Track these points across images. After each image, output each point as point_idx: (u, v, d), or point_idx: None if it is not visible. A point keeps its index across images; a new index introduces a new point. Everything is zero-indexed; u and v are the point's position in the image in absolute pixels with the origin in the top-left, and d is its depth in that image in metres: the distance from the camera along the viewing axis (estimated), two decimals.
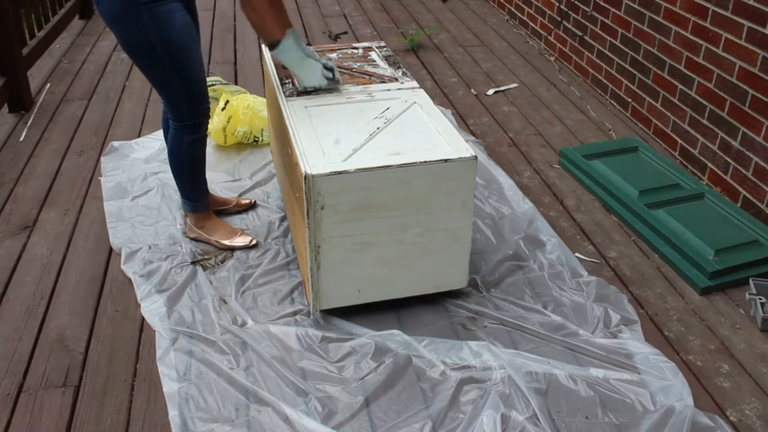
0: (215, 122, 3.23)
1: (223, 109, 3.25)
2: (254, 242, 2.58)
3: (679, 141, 3.25)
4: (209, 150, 3.25)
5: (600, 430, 1.86)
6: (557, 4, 4.38)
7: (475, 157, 2.09)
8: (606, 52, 3.85)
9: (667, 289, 2.42)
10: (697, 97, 3.09)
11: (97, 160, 3.18)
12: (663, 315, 2.30)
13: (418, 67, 4.32)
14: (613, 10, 3.74)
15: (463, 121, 3.62)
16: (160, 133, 3.41)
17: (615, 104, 3.79)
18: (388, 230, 2.11)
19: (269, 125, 3.06)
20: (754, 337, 2.21)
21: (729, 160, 2.91)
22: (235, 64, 4.37)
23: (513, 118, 3.67)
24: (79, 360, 2.09)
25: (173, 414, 1.88)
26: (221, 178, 3.03)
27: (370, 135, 2.20)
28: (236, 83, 4.02)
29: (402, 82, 2.57)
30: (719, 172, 2.97)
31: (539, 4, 4.65)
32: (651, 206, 2.74)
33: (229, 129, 3.24)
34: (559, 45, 4.41)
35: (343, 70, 2.67)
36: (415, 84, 2.56)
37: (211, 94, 3.53)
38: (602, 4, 3.84)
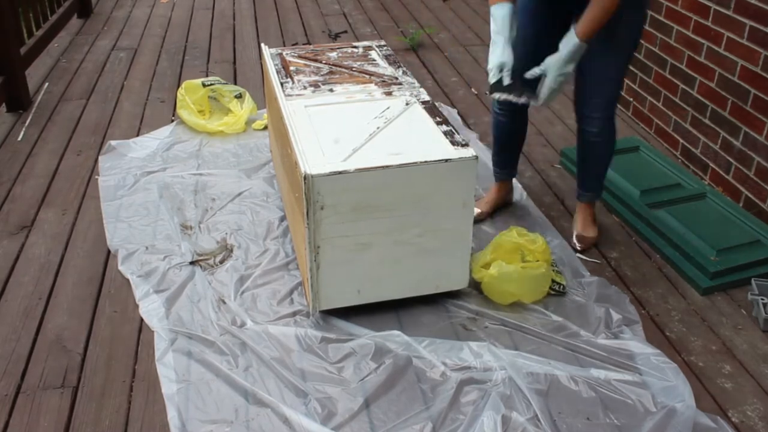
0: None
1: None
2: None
3: (681, 140, 3.24)
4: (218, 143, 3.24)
5: (601, 431, 1.85)
6: None
7: (476, 157, 2.08)
8: None
9: (669, 289, 2.41)
10: (699, 97, 3.08)
11: (96, 160, 3.17)
12: (664, 315, 2.29)
13: (418, 67, 4.31)
14: None
15: (463, 121, 3.61)
16: (159, 132, 3.41)
17: None
18: (388, 230, 2.10)
19: (269, 125, 3.05)
20: (756, 338, 2.20)
21: (731, 159, 2.90)
22: (234, 63, 4.35)
23: None
24: (77, 361, 2.07)
25: (172, 415, 1.87)
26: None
27: (370, 135, 2.19)
28: (235, 83, 4.01)
29: (402, 82, 2.56)
30: (721, 172, 2.96)
31: None
32: (652, 206, 2.73)
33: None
34: None
35: (343, 70, 2.66)
36: (415, 83, 2.55)
37: (210, 94, 3.52)
38: None
